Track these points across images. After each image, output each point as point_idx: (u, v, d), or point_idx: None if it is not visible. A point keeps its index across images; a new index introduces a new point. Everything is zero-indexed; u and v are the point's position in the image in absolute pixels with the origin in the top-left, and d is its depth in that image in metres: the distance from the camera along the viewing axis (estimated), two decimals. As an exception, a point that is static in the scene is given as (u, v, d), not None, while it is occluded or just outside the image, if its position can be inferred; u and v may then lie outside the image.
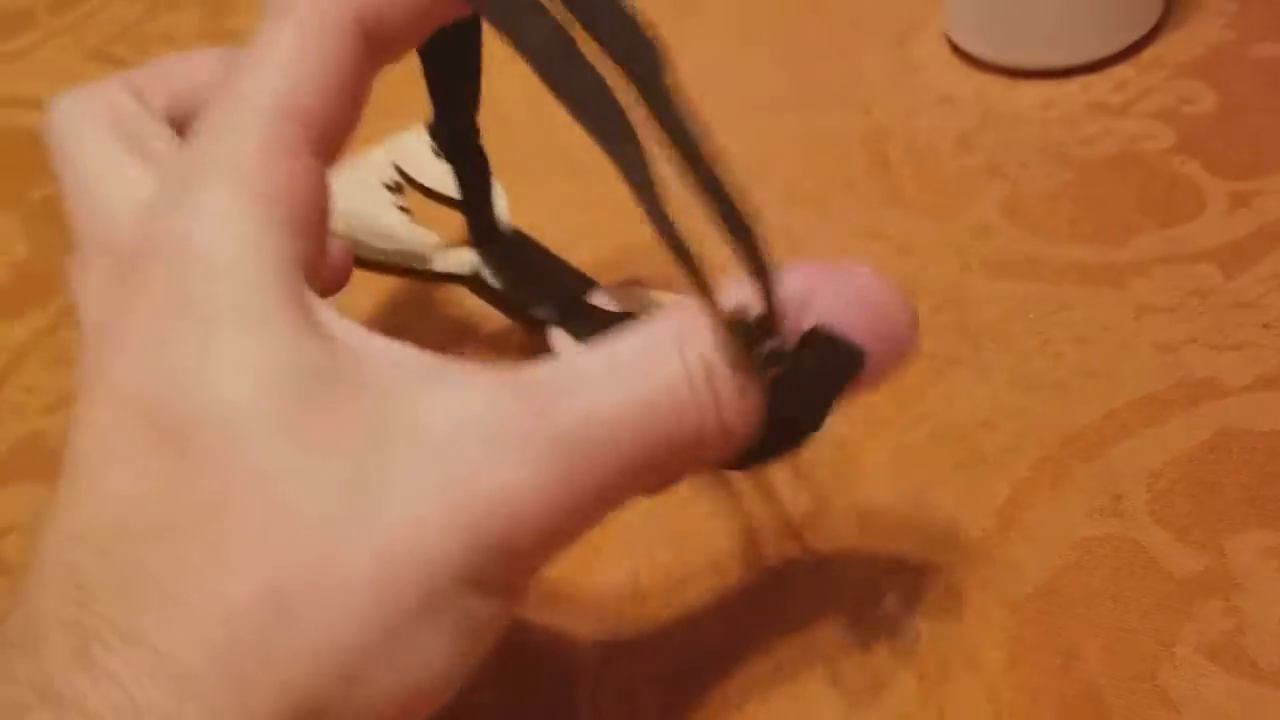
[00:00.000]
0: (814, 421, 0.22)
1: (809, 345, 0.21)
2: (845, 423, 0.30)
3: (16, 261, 0.45)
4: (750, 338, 0.21)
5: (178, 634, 0.18)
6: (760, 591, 0.28)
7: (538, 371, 0.21)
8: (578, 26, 0.23)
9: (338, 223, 0.27)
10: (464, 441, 0.20)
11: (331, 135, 0.23)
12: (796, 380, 0.21)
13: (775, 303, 0.21)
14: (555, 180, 0.38)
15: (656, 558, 0.29)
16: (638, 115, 0.22)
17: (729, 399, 0.21)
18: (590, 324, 0.31)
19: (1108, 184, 0.33)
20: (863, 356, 0.22)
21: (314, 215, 0.22)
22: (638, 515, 0.29)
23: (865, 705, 0.25)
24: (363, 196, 0.38)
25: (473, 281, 0.35)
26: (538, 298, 0.33)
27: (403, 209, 0.38)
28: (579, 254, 0.35)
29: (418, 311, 0.36)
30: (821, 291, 0.22)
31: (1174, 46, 0.36)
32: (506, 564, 0.20)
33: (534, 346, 0.33)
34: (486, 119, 0.40)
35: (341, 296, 0.34)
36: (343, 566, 0.19)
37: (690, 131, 0.23)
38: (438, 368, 0.21)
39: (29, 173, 0.48)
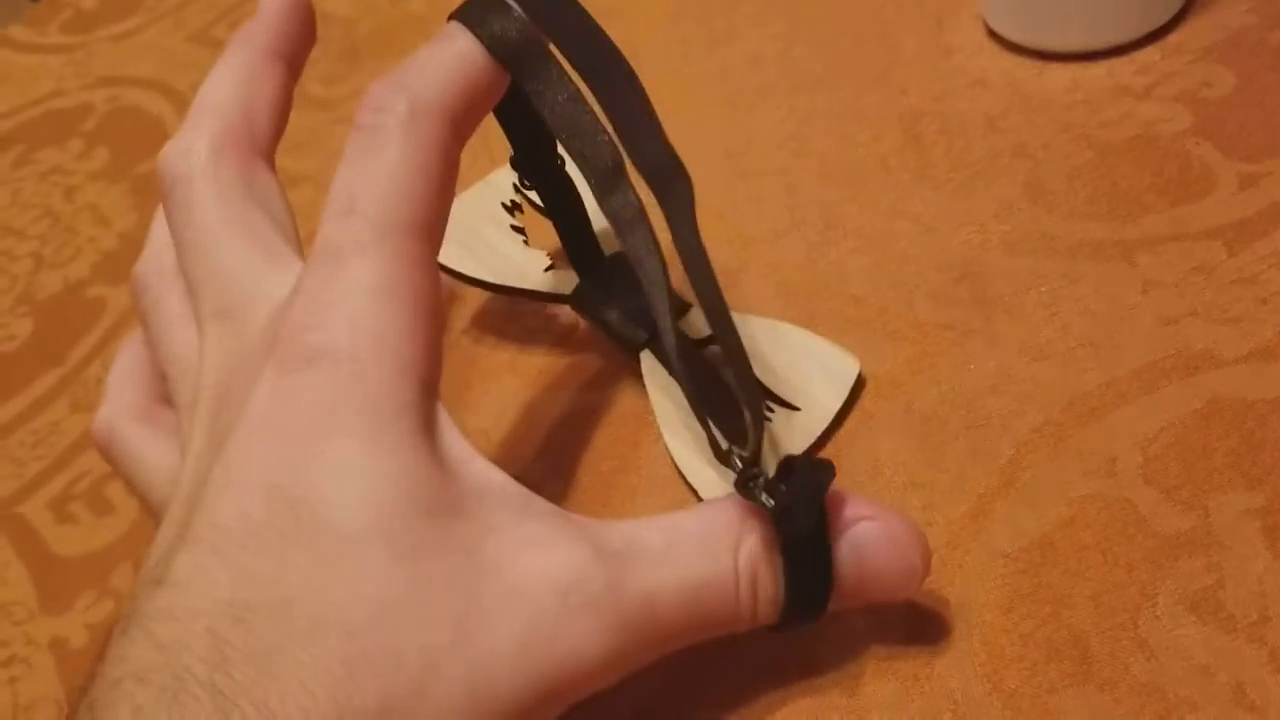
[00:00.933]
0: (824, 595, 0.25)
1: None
2: (864, 388, 0.31)
3: (125, 230, 0.48)
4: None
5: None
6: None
7: (612, 537, 0.23)
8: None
9: (451, 244, 0.29)
10: (548, 596, 0.22)
11: (440, 231, 0.25)
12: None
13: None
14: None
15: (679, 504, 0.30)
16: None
17: (765, 595, 0.24)
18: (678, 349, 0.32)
19: (1124, 165, 0.34)
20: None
21: (440, 317, 0.24)
22: (658, 476, 0.31)
23: (864, 637, 0.27)
24: (480, 215, 0.37)
25: (574, 301, 0.35)
26: (632, 320, 0.33)
27: (516, 228, 0.37)
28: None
29: (524, 324, 0.38)
30: (866, 519, 0.25)
31: (1198, 31, 0.37)
32: (554, 706, 0.23)
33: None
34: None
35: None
36: (440, 692, 0.21)
37: (704, 269, 0.27)
38: (530, 505, 0.24)
39: (136, 148, 0.51)
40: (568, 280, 0.35)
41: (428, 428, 0.23)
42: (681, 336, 0.31)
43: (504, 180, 0.38)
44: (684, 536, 0.24)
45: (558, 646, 0.22)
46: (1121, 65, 0.37)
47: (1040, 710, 0.25)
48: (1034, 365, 0.30)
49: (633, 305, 0.33)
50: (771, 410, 0.31)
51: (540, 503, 0.24)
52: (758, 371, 0.31)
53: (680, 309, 0.33)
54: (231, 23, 0.56)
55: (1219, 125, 0.34)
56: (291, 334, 0.23)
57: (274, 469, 0.22)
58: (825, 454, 0.30)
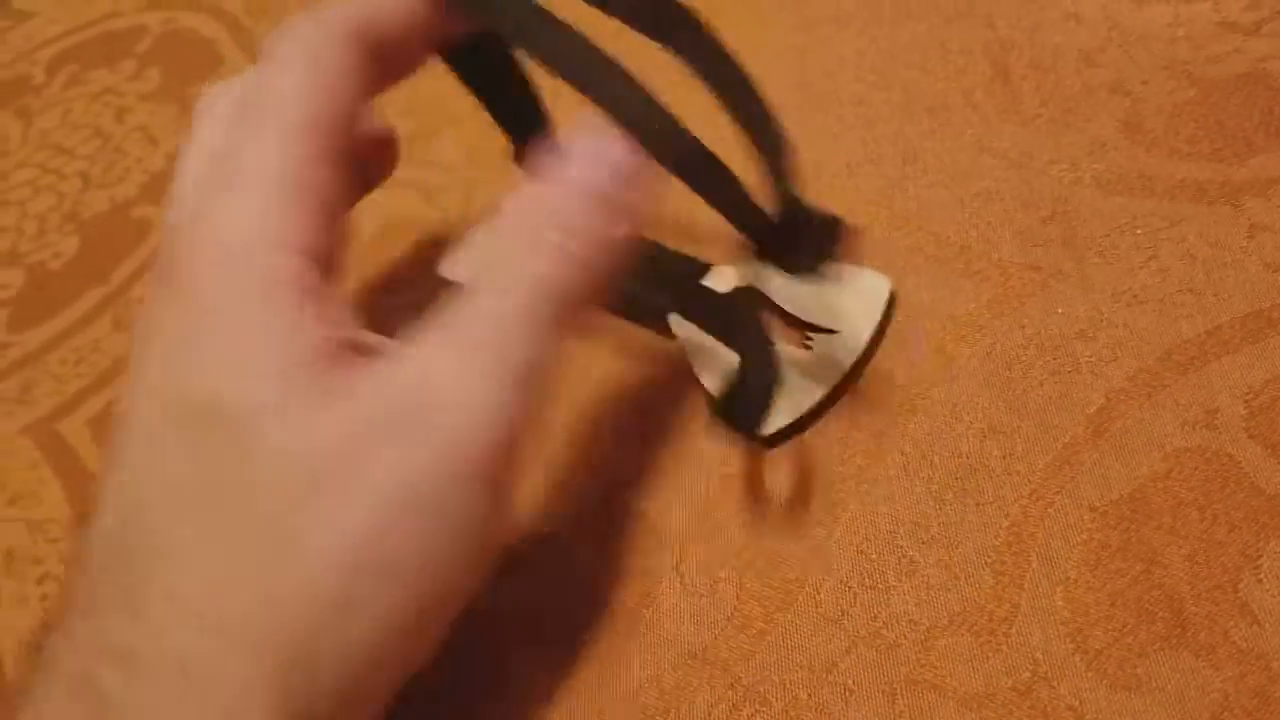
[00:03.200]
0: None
1: None
2: (937, 330, 0.29)
3: (173, 151, 0.46)
4: None
5: (208, 594, 0.20)
6: (845, 479, 0.27)
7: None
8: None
9: None
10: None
11: (343, 143, 0.24)
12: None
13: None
14: (674, 84, 0.38)
15: (748, 444, 0.29)
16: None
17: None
18: (704, 306, 0.31)
19: (1231, 103, 0.31)
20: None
21: (330, 219, 0.24)
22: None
23: (939, 591, 0.25)
24: None
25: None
26: (655, 289, 0.32)
27: None
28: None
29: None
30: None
31: (1314, -34, 0.34)
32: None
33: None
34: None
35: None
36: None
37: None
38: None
39: (189, 70, 0.50)
40: None
41: (304, 300, 0.22)
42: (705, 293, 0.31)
43: None
44: None
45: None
46: (1228, 0, 0.34)
47: (1128, 674, 0.23)
48: (1129, 310, 0.28)
49: (653, 276, 0.31)
50: (810, 338, 0.30)
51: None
52: (790, 308, 0.30)
53: (703, 269, 0.32)
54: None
55: (1336, 64, 0.31)
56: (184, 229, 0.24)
57: (168, 372, 0.22)
58: (901, 399, 0.28)
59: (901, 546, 0.26)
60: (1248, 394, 0.26)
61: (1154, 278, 0.28)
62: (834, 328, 0.29)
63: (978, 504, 0.26)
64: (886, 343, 0.29)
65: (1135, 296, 0.28)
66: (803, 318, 0.30)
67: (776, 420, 0.28)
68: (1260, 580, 0.23)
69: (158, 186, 0.44)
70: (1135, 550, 0.24)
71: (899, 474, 0.27)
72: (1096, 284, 0.29)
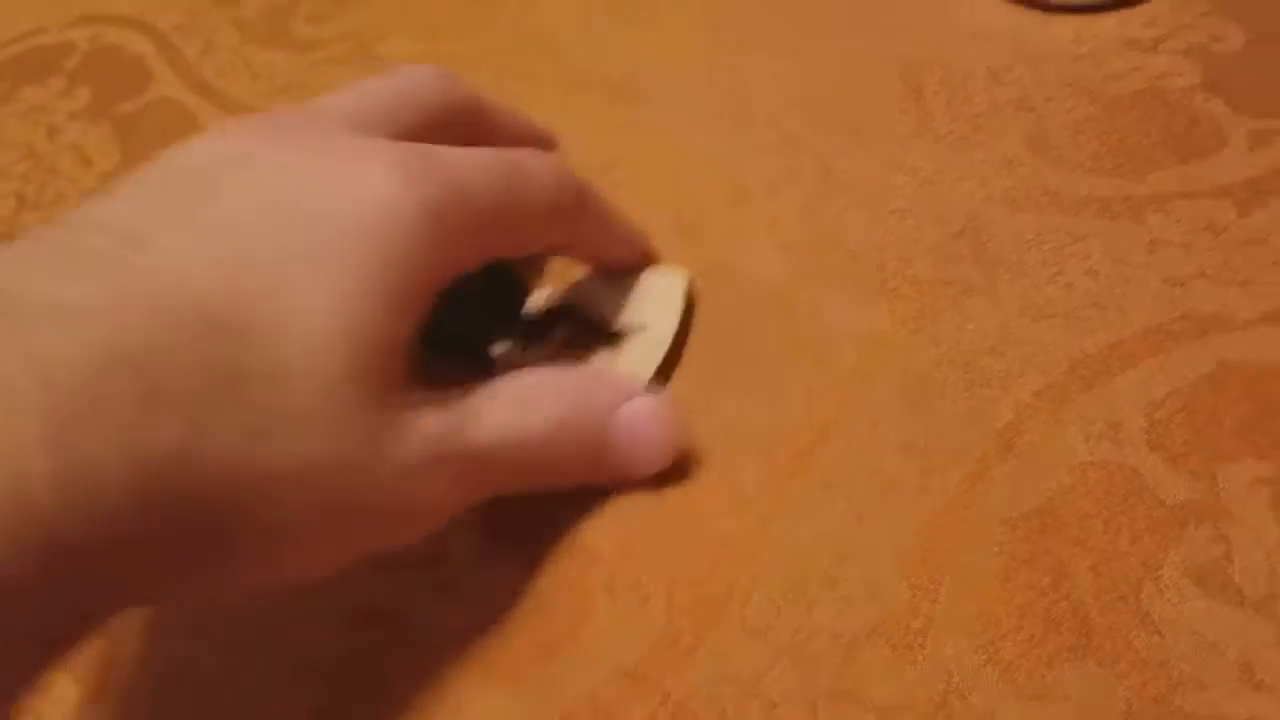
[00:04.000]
0: None
1: None
2: (855, 348, 0.29)
3: (107, 171, 0.45)
4: None
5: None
6: (769, 497, 0.28)
7: None
8: None
9: None
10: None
11: None
12: None
13: None
14: (598, 101, 0.38)
15: (676, 464, 0.29)
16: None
17: None
18: (522, 329, 0.31)
19: (1131, 119, 0.32)
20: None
21: None
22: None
23: (859, 604, 0.25)
24: None
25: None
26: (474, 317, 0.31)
27: None
28: (617, 175, 0.35)
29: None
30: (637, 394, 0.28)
31: (1209, -17, 0.35)
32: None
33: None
34: (534, 37, 0.40)
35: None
36: None
37: None
38: None
39: (118, 88, 0.49)
40: None
41: None
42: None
43: None
44: None
45: None
46: (1129, 18, 0.35)
47: (1038, 683, 0.23)
48: (1036, 325, 0.28)
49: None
50: (619, 336, 0.31)
51: None
52: (601, 315, 0.31)
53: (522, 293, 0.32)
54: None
55: (1229, 81, 0.32)
56: None
57: None
58: (823, 414, 0.29)
59: (823, 562, 0.26)
60: (1149, 407, 0.26)
61: (1060, 292, 0.29)
62: (641, 326, 0.30)
63: (895, 519, 0.26)
64: (804, 360, 0.30)
65: (1042, 311, 0.29)
66: (613, 324, 0.31)
67: None
68: (1161, 590, 0.24)
69: (89, 208, 0.44)
70: (1044, 562, 0.25)
71: (819, 491, 0.27)
72: (1005, 299, 0.29)
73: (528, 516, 0.29)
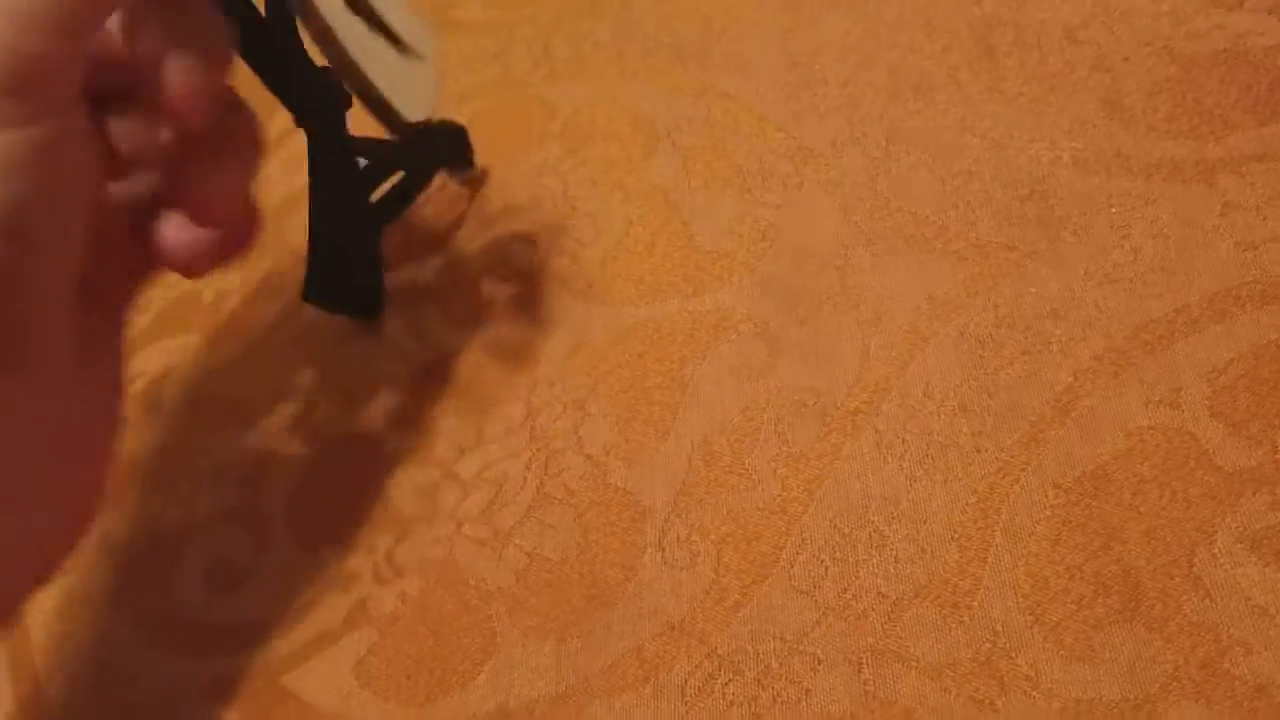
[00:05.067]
0: None
1: None
2: (913, 310, 0.30)
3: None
4: None
5: None
6: (822, 456, 0.28)
7: None
8: None
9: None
10: None
11: None
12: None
13: None
14: (667, 63, 0.39)
15: (729, 423, 0.30)
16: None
17: None
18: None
19: (1210, 80, 0.32)
20: None
21: None
22: (710, 389, 0.30)
23: (907, 564, 0.26)
24: None
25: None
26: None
27: None
28: (683, 137, 0.36)
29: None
30: None
31: (1300, -61, 0.34)
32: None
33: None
34: (604, 1, 0.41)
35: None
36: None
37: None
38: None
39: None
40: None
41: None
42: None
43: None
44: None
45: None
46: (1214, -25, 0.34)
47: (1084, 645, 0.24)
48: (1100, 289, 0.29)
49: None
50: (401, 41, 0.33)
51: None
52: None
53: None
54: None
55: (1316, 40, 0.32)
56: None
57: None
58: (878, 375, 0.29)
59: (873, 521, 0.27)
60: (1211, 373, 0.26)
61: (1126, 257, 0.29)
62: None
63: (946, 481, 0.27)
64: (866, 320, 0.30)
65: (1107, 276, 0.29)
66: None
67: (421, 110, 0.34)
68: (1214, 556, 0.24)
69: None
70: (1095, 526, 0.25)
71: (872, 451, 0.28)
72: (1070, 263, 0.29)
73: (579, 473, 0.30)
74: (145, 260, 0.27)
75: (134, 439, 0.37)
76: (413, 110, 0.34)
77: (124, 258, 0.27)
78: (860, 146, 0.34)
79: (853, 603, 0.26)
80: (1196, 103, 0.31)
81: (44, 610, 0.34)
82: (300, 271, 0.34)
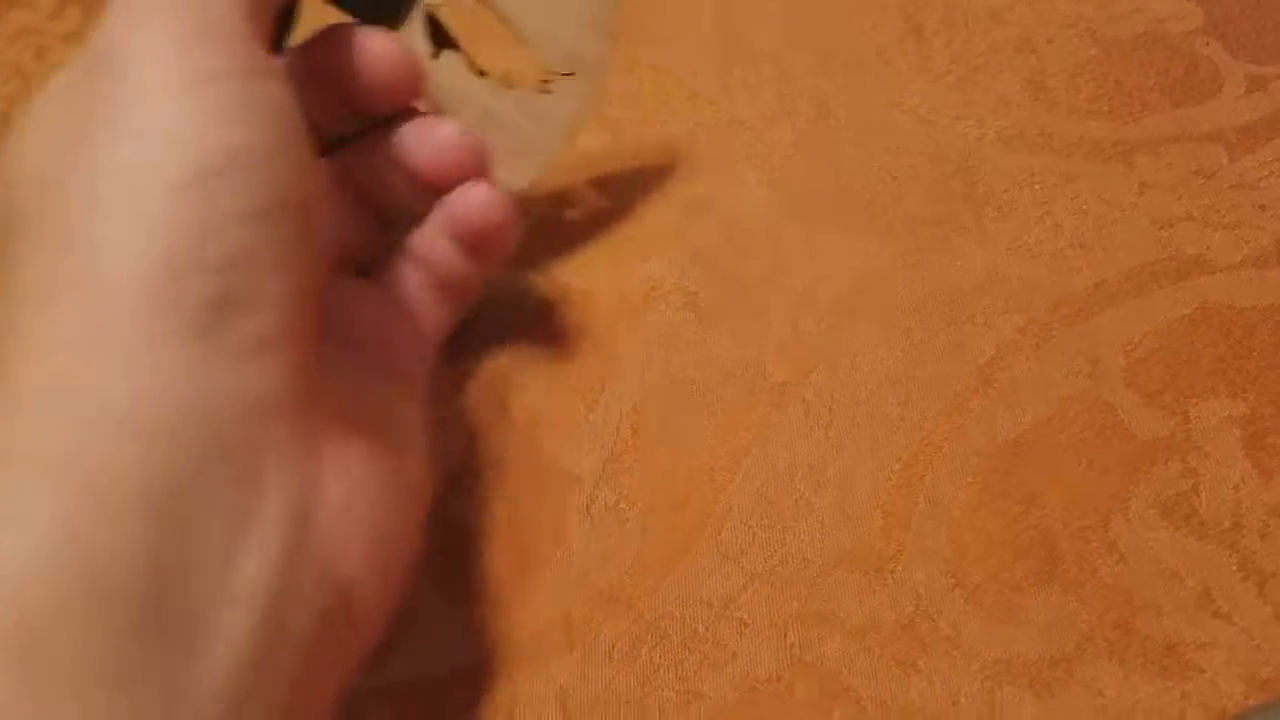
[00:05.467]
0: None
1: None
2: (840, 283, 0.31)
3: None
4: None
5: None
6: (750, 426, 0.29)
7: None
8: None
9: None
10: None
11: None
12: None
13: None
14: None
15: (657, 392, 0.30)
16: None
17: None
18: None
19: (1129, 63, 0.33)
20: None
21: None
22: (639, 359, 0.31)
23: (833, 531, 0.27)
24: None
25: None
26: None
27: None
28: (614, 111, 0.36)
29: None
30: None
31: (1217, -72, 0.36)
32: None
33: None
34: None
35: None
36: None
37: None
38: None
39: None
40: None
41: None
42: None
43: None
44: None
45: None
46: (1135, -39, 0.36)
47: (1004, 607, 0.25)
48: (1023, 264, 0.30)
49: None
50: (549, 81, 0.30)
51: None
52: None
53: None
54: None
55: (1230, 25, 0.33)
56: None
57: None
58: (807, 347, 0.30)
59: (799, 489, 0.28)
60: (1129, 345, 0.28)
61: (1048, 233, 0.30)
62: (568, 69, 0.30)
63: (872, 449, 0.28)
64: (795, 293, 0.31)
65: (1029, 250, 0.30)
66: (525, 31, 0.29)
67: (527, 179, 0.30)
68: (1129, 521, 0.25)
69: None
70: (1016, 492, 0.26)
71: (800, 421, 0.29)
72: (994, 238, 0.30)
73: (507, 441, 0.31)
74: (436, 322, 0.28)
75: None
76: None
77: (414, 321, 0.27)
78: (790, 120, 0.35)
79: (779, 568, 0.27)
80: (1117, 84, 0.33)
81: None
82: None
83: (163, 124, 0.20)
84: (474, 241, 0.26)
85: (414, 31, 0.28)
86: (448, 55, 0.29)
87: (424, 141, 0.26)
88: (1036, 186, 0.31)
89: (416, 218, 0.27)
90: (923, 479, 0.27)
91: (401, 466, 0.24)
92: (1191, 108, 0.31)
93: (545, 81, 0.30)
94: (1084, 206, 0.30)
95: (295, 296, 0.21)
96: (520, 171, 0.29)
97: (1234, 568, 0.24)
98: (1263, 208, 0.29)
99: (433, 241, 0.27)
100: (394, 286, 0.27)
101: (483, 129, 0.28)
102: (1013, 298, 0.29)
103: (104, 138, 0.20)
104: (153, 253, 0.19)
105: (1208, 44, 0.33)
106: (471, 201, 0.26)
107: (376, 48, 0.25)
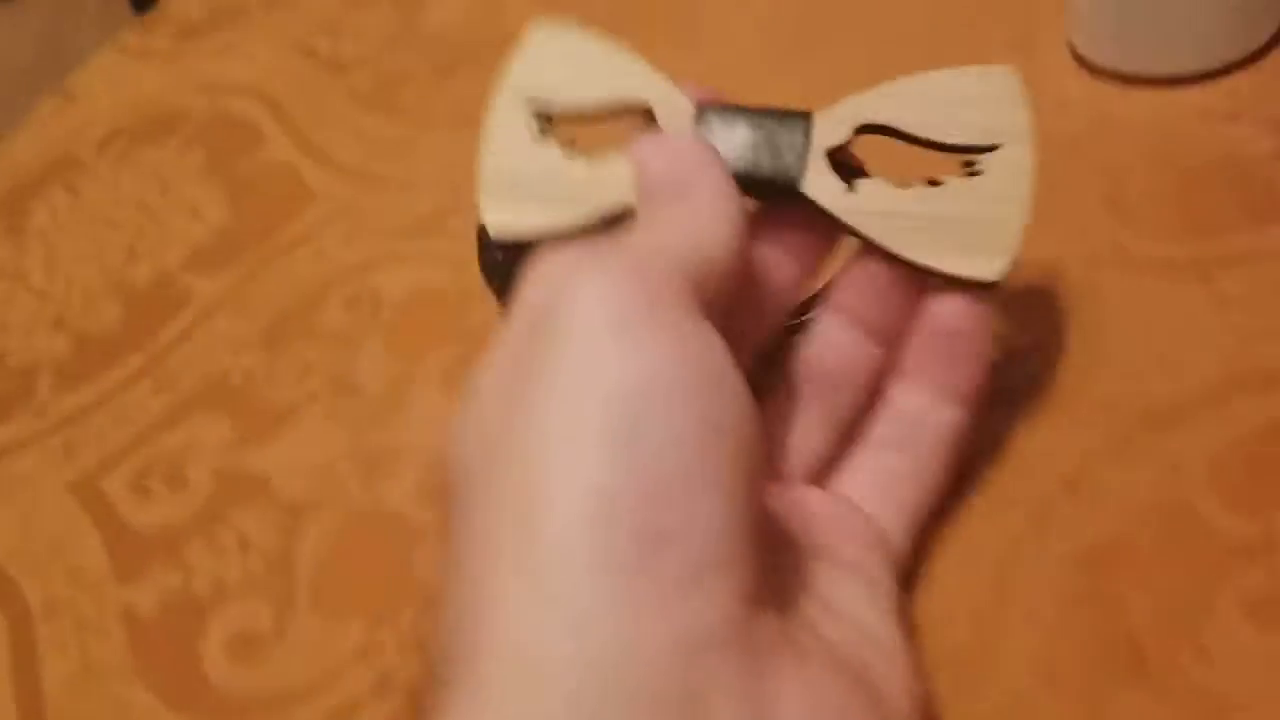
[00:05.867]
0: None
1: None
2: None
3: (216, 224, 0.50)
4: None
5: None
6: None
7: None
8: None
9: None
10: None
11: None
12: None
13: None
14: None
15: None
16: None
17: None
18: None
19: (1206, 186, 0.34)
20: None
21: None
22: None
23: (923, 633, 0.27)
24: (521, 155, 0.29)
25: None
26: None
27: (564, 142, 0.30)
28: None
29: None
30: None
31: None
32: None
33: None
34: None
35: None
36: None
37: None
38: None
39: (232, 150, 0.54)
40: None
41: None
42: None
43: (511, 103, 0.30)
44: None
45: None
46: (1208, 90, 0.37)
47: (1090, 707, 0.25)
48: (1102, 375, 0.31)
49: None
50: (973, 162, 0.28)
51: None
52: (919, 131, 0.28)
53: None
54: (329, 33, 0.58)
55: (1304, 149, 0.34)
56: None
57: None
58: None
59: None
60: (1210, 453, 0.28)
61: (1124, 345, 0.31)
62: (987, 144, 0.28)
63: (961, 557, 0.29)
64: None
65: (1111, 363, 0.31)
66: (942, 141, 0.28)
67: (1002, 262, 0.27)
68: (1216, 624, 0.26)
69: (200, 258, 0.48)
70: (1102, 594, 0.27)
71: (886, 526, 0.30)
72: (1075, 351, 0.32)
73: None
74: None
75: (159, 512, 0.39)
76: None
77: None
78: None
79: (867, 669, 0.27)
80: (1193, 207, 0.34)
81: (62, 680, 0.35)
82: (333, 350, 0.36)
83: (594, 378, 0.21)
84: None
85: (817, 177, 0.28)
86: (862, 184, 0.28)
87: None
88: (1118, 302, 0.32)
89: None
90: (1013, 581, 0.28)
91: (867, 674, 0.24)
92: (1270, 227, 0.32)
93: (969, 164, 0.28)
94: (1165, 321, 0.31)
95: (731, 520, 0.21)
96: (986, 265, 0.27)
97: (1323, 670, 0.24)
98: (1341, 322, 0.30)
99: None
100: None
101: (932, 238, 0.27)
102: (1096, 408, 0.30)
103: (539, 395, 0.22)
104: (585, 498, 0.20)
105: (1281, 167, 0.34)
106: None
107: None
